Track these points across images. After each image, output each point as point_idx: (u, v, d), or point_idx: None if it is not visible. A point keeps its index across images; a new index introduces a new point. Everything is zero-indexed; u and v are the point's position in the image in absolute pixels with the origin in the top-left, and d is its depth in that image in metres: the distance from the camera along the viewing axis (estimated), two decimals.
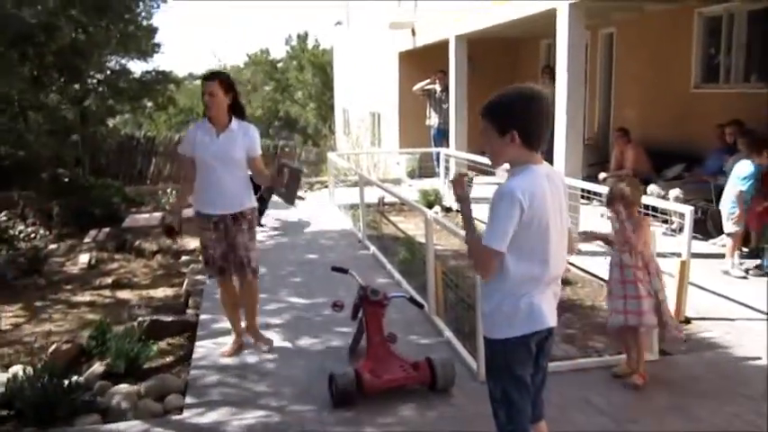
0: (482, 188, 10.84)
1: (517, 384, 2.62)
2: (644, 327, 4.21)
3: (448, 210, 10.61)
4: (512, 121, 2.52)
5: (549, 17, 7.61)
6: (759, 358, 4.63)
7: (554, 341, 2.85)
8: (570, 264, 6.50)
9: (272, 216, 9.78)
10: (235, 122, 4.62)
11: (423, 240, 6.48)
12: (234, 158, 4.61)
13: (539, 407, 2.82)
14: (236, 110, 4.67)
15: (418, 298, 5.39)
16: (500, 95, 2.58)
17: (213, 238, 4.69)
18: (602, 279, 6.58)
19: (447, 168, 11.17)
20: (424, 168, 13.23)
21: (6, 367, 5.05)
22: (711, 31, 9.30)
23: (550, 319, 2.66)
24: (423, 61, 13.45)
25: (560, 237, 2.64)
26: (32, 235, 11.00)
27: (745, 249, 6.79)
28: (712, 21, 9.23)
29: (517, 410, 2.65)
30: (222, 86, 4.55)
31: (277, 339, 5.19)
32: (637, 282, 4.16)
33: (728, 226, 6.51)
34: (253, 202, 4.80)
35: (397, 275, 6.64)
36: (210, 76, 4.58)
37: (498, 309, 2.59)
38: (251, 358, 4.85)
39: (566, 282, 6.36)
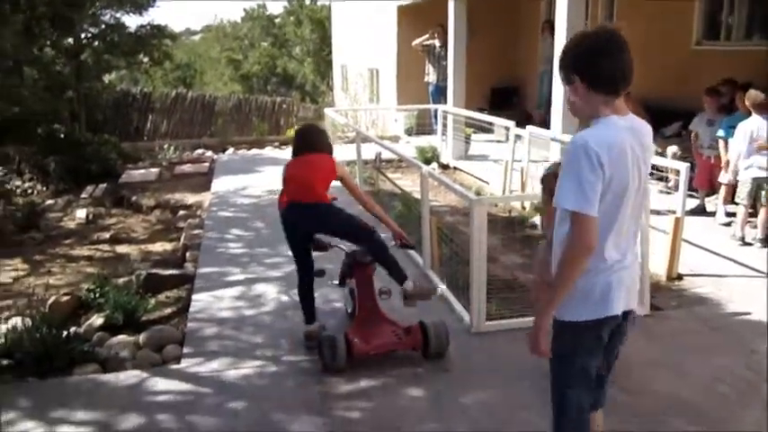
0: (480, 145, 10.94)
1: (581, 374, 2.33)
2: None
3: (445, 167, 10.60)
4: (571, 65, 2.25)
5: None
6: (749, 313, 4.69)
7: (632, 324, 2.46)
8: None
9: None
10: None
11: (419, 196, 6.48)
12: None
13: (602, 395, 2.57)
14: None
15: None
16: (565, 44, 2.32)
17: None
18: None
19: (445, 125, 11.11)
20: (422, 125, 13.16)
21: (6, 319, 5.10)
22: None
23: (630, 301, 2.34)
24: (422, 16, 13.24)
25: (638, 207, 2.29)
26: (29, 190, 11.01)
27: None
28: None
29: (569, 400, 2.38)
30: None
31: (275, 292, 5.26)
32: None
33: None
34: None
35: None
36: None
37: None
38: (248, 311, 4.90)
39: None
